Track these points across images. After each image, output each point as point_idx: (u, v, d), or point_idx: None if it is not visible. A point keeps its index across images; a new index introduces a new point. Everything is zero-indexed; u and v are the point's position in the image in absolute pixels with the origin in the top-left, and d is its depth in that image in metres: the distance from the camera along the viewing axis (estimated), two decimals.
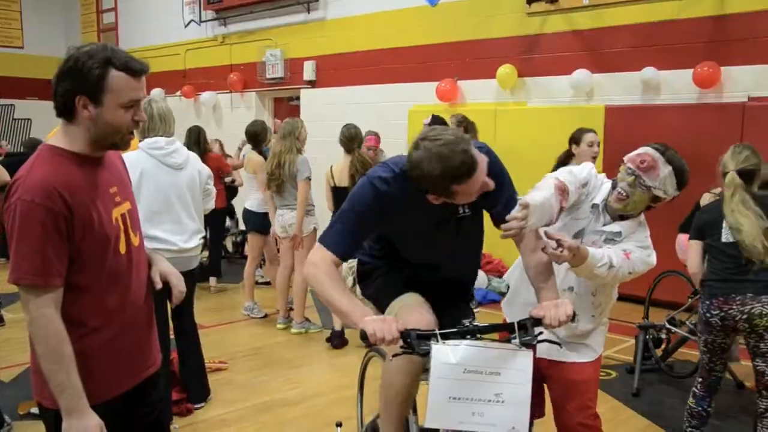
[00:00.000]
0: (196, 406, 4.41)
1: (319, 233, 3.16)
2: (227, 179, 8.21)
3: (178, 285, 2.24)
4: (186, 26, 12.16)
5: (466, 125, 6.56)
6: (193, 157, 4.28)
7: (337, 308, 2.27)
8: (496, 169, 2.35)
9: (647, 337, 5.01)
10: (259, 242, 6.71)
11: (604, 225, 2.74)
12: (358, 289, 2.78)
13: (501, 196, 2.40)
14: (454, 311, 2.58)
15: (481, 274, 7.15)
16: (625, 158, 2.75)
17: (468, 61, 8.55)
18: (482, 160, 2.20)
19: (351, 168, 5.78)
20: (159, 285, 2.21)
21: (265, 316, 6.67)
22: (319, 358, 5.59)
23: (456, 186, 2.17)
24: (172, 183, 4.08)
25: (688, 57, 6.85)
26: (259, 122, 7.08)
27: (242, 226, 8.90)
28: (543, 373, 2.89)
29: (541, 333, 2.15)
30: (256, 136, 6.72)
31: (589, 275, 2.58)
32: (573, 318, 2.18)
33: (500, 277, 7.55)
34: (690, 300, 4.91)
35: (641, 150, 2.73)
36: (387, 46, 9.37)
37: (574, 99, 7.67)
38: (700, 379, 3.63)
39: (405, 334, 2.10)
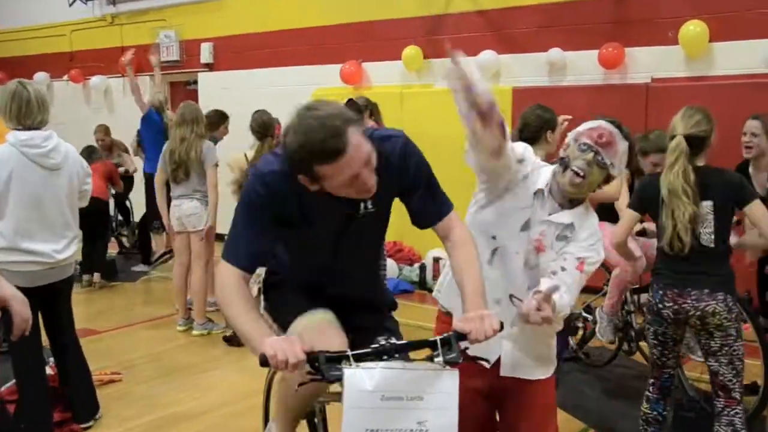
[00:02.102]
0: (83, 425, 3.97)
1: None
2: (120, 170, 7.76)
3: (21, 312, 1.85)
4: (71, 5, 11.29)
5: (371, 108, 6.33)
6: (72, 153, 3.77)
7: (238, 330, 1.97)
8: (411, 162, 2.11)
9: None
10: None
11: (551, 214, 2.43)
12: (262, 300, 2.45)
13: (416, 191, 2.15)
14: (369, 325, 2.29)
15: (391, 263, 6.94)
16: (574, 134, 2.45)
17: (372, 43, 8.27)
18: (359, 145, 1.85)
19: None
20: None
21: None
22: (226, 361, 5.20)
23: (318, 166, 1.85)
24: (47, 186, 3.60)
25: (593, 38, 6.80)
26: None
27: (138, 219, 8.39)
28: (501, 396, 2.55)
29: (467, 349, 1.90)
30: None
31: None
32: (501, 328, 1.94)
33: (411, 265, 7.39)
34: (605, 287, 4.83)
35: (593, 124, 2.44)
36: (288, 27, 8.96)
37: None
38: (651, 380, 3.36)
39: (312, 357, 1.81)
